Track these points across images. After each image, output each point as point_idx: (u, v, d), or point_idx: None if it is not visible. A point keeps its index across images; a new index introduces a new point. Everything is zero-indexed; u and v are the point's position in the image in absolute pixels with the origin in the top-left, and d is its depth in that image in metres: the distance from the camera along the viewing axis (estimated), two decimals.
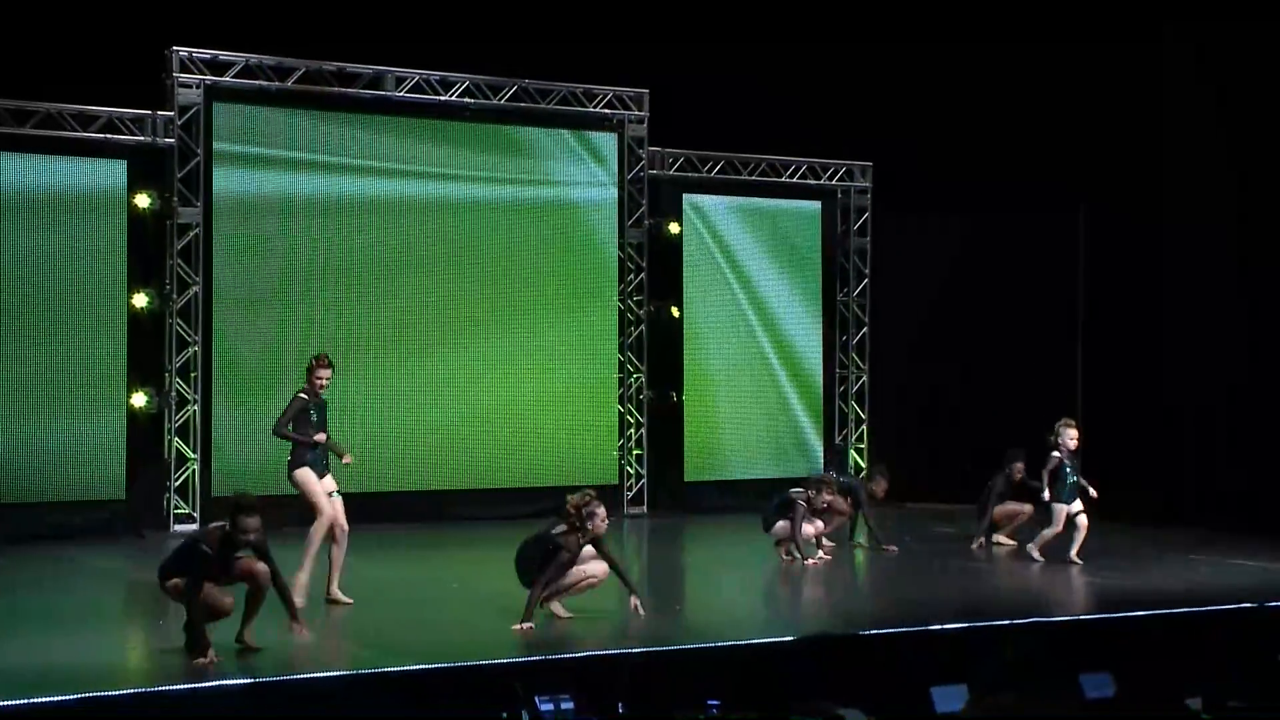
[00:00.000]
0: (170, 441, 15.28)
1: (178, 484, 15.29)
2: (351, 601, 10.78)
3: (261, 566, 8.96)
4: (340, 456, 10.95)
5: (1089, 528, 13.02)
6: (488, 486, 16.61)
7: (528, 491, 16.42)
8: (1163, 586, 11.71)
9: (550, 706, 7.83)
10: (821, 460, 18.14)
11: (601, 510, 9.96)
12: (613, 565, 10.13)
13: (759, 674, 8.73)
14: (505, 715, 7.90)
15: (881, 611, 11.10)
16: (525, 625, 9.58)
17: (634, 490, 17.56)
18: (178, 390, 15.31)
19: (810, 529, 13.24)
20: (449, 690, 8.21)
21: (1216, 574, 12.43)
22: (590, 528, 9.91)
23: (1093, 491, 13.06)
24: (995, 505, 14.38)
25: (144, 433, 15.30)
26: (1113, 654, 9.07)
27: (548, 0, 16.47)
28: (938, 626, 9.59)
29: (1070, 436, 13.02)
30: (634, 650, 9.00)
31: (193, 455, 15.20)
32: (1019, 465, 14.32)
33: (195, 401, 15.33)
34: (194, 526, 15.09)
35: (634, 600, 10.08)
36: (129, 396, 15.14)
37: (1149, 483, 16.35)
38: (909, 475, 16.50)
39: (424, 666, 8.39)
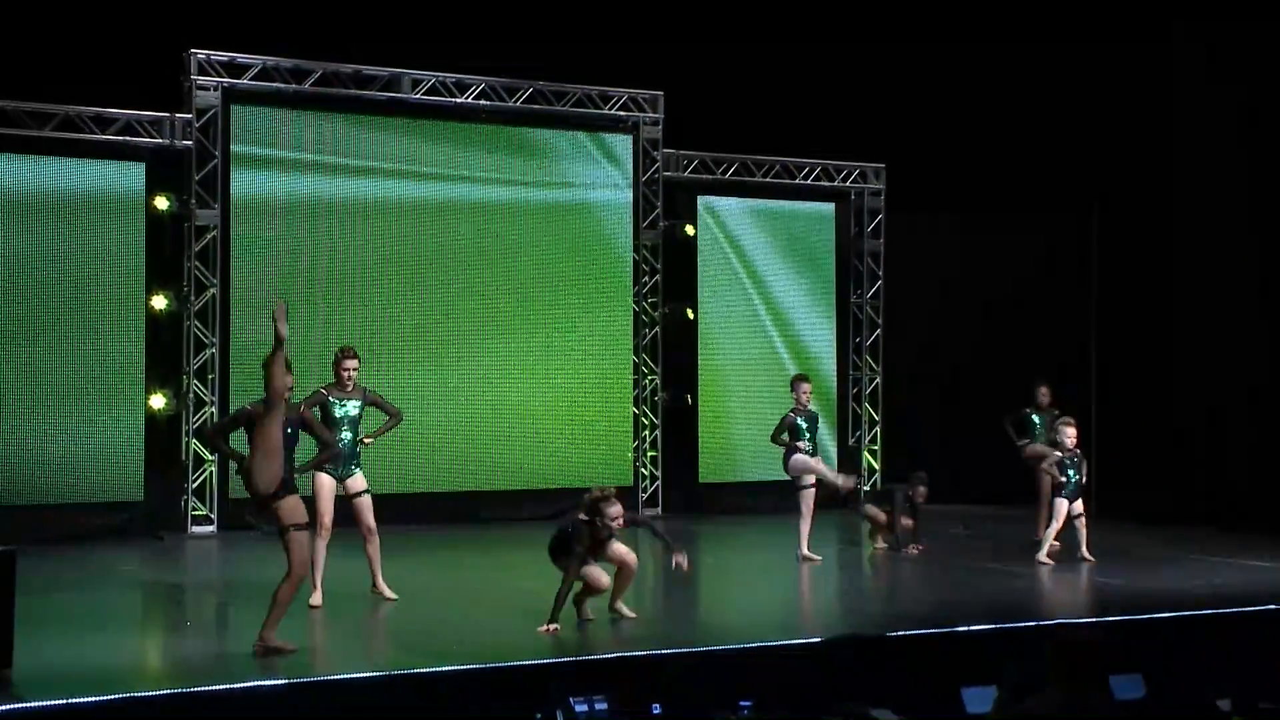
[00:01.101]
0: (188, 443, 15.29)
1: (195, 486, 15.30)
2: (396, 597, 10.84)
3: (300, 540, 8.95)
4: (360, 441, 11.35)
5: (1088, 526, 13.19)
6: (500, 488, 16.61)
7: (540, 493, 16.46)
8: (1187, 588, 11.70)
9: (585, 707, 7.85)
10: (836, 462, 18.11)
11: (616, 509, 9.95)
12: (642, 525, 10.78)
13: (791, 675, 8.74)
14: (539, 716, 7.92)
15: (907, 613, 11.10)
16: (551, 626, 9.58)
17: (648, 492, 17.56)
18: (195, 392, 15.32)
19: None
20: (483, 691, 8.23)
21: (1239, 575, 12.43)
22: (601, 523, 9.90)
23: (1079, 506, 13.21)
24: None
25: (162, 435, 15.32)
26: (1142, 655, 9.07)
27: (562, 2, 16.49)
28: (967, 628, 9.60)
29: (1068, 435, 13.20)
30: (667, 651, 9.01)
31: (210, 457, 15.18)
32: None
33: (213, 403, 15.34)
34: (212, 529, 15.17)
35: (676, 557, 10.20)
36: (147, 398, 15.16)
37: (1162, 483, 16.38)
38: None
39: (458, 667, 8.40)
